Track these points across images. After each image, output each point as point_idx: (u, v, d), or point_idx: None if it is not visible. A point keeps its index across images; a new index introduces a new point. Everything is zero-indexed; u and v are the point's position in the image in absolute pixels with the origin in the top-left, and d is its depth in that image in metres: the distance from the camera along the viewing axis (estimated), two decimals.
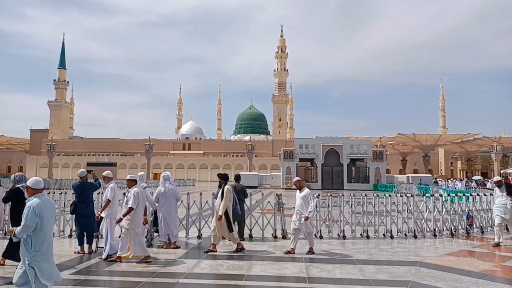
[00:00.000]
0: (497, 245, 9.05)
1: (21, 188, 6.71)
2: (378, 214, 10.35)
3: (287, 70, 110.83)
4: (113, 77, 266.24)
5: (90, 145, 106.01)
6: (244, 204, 9.71)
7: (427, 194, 14.38)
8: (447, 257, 7.96)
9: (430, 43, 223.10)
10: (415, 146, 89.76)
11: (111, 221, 7.44)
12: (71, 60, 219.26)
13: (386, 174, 49.81)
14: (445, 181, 46.57)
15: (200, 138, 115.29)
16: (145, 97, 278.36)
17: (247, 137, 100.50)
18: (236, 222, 9.48)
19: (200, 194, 10.13)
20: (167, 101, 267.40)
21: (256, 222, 10.09)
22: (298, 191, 8.19)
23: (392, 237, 9.99)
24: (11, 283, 4.18)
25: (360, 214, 10.26)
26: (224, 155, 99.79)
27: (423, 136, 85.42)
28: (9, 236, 6.36)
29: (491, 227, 10.99)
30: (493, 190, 10.52)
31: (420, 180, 42.82)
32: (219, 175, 8.41)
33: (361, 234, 10.08)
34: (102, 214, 7.52)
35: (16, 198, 6.77)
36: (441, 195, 11.41)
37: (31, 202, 3.91)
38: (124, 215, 7.04)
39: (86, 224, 7.72)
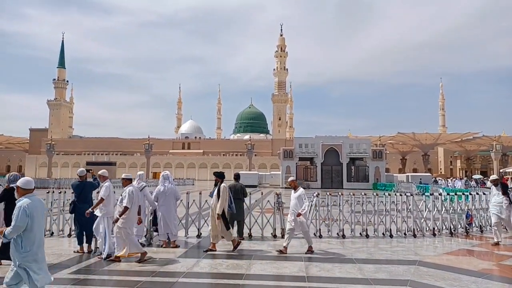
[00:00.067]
0: (497, 244, 9.06)
1: (15, 187, 6.70)
2: (378, 213, 10.36)
3: (287, 69, 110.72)
4: (113, 77, 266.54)
5: (90, 145, 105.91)
6: (244, 203, 9.72)
7: (426, 193, 14.39)
8: (446, 256, 7.97)
9: (430, 43, 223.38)
10: (415, 145, 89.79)
11: (107, 220, 7.43)
12: (72, 60, 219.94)
13: (386, 173, 49.82)
14: (444, 180, 46.61)
15: (200, 138, 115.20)
16: (145, 97, 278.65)
17: (246, 136, 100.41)
18: (235, 221, 9.50)
19: (200, 193, 10.12)
20: (167, 101, 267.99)
21: (256, 221, 10.09)
22: (293, 191, 8.19)
23: (391, 236, 10.00)
24: None
25: (360, 213, 10.27)
26: (223, 154, 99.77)
27: (422, 135, 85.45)
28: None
29: (490, 226, 10.98)
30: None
31: (420, 179, 42.87)
32: (215, 173, 8.41)
33: (360, 233, 10.08)
34: (98, 213, 7.47)
35: (9, 198, 6.74)
36: (440, 194, 11.40)
37: (22, 202, 3.88)
38: (120, 215, 7.04)
39: (86, 223, 7.70)
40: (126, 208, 7.04)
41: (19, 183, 4.08)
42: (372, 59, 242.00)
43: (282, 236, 9.68)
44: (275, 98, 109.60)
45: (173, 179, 9.30)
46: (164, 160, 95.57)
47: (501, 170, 68.10)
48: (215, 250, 7.95)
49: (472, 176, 59.78)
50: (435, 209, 10.78)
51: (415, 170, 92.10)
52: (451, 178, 48.59)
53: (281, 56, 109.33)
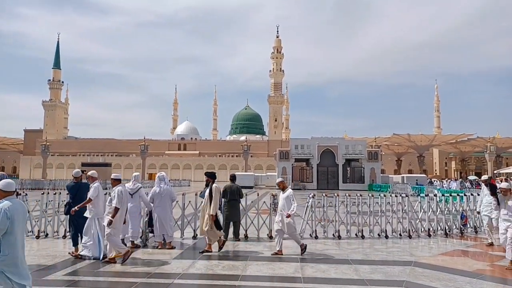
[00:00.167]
0: (491, 244, 9.12)
1: None
2: (373, 214, 10.39)
3: (283, 70, 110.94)
4: (110, 77, 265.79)
5: (85, 146, 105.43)
6: (240, 204, 9.72)
7: (421, 194, 14.45)
8: (441, 256, 8.01)
9: (429, 43, 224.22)
10: (410, 147, 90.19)
11: (98, 221, 7.40)
12: (69, 60, 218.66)
13: (381, 174, 50.03)
14: (440, 181, 46.84)
15: (196, 139, 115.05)
16: (143, 97, 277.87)
17: (242, 138, 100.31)
18: (231, 222, 9.49)
19: (196, 195, 10.09)
20: (165, 101, 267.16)
21: (252, 222, 10.08)
22: (281, 192, 8.20)
23: (387, 237, 10.03)
24: None
25: (355, 214, 10.29)
26: (219, 156, 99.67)
27: (417, 136, 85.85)
28: None
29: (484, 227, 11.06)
30: None
31: (417, 180, 43.07)
32: (207, 174, 8.41)
33: (356, 234, 10.11)
34: (87, 214, 7.39)
35: None
36: (435, 195, 11.46)
37: (2, 205, 3.81)
38: (113, 216, 7.01)
39: (81, 225, 7.64)
40: (116, 209, 7.03)
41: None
42: (372, 59, 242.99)
43: None
44: (271, 99, 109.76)
45: (169, 180, 9.28)
46: (160, 161, 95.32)
47: (495, 171, 68.57)
48: (211, 251, 7.94)
49: (468, 177, 60.19)
50: (430, 210, 10.83)
51: (410, 171, 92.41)
52: (446, 179, 48.82)
53: (277, 58, 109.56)
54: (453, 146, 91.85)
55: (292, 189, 8.42)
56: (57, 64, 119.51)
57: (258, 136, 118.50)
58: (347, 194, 10.70)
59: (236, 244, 9.01)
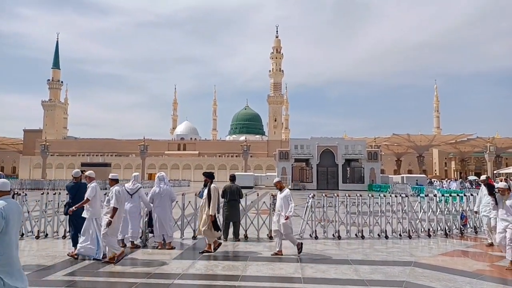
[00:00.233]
0: (491, 245, 9.11)
1: None
2: (373, 214, 10.39)
3: (282, 70, 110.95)
4: (110, 77, 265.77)
5: (84, 146, 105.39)
6: (239, 205, 9.71)
7: (421, 194, 14.45)
8: (441, 257, 8.00)
9: (429, 43, 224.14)
10: (410, 147, 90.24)
11: (96, 221, 7.40)
12: (69, 60, 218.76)
13: (381, 175, 50.05)
14: (439, 181, 46.85)
15: (195, 139, 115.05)
16: (143, 97, 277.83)
17: (242, 138, 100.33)
18: (231, 223, 9.49)
19: (195, 195, 10.08)
20: (165, 101, 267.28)
21: (252, 222, 10.08)
22: (278, 192, 8.19)
23: (386, 237, 10.02)
24: None
25: (355, 215, 10.29)
26: (219, 156, 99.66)
27: (417, 136, 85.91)
28: None
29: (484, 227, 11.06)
30: None
31: (417, 180, 43.09)
32: (205, 174, 8.41)
33: (356, 234, 10.10)
34: (85, 215, 7.39)
35: None
36: (435, 195, 11.46)
37: None
38: (111, 217, 7.01)
39: (81, 225, 7.63)
40: (115, 209, 7.03)
41: None
42: (372, 59, 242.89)
43: None
44: (270, 99, 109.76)
45: (169, 180, 9.27)
46: (160, 161, 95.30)
47: (494, 172, 68.60)
48: (211, 251, 7.93)
49: (467, 177, 60.21)
50: (430, 210, 10.83)
51: (410, 172, 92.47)
52: (446, 179, 48.82)
53: (276, 58, 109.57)
54: (453, 146, 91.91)
55: (292, 189, 8.45)
56: (56, 64, 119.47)
57: (257, 136, 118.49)
58: (346, 194, 10.70)
59: (236, 245, 9.00)
